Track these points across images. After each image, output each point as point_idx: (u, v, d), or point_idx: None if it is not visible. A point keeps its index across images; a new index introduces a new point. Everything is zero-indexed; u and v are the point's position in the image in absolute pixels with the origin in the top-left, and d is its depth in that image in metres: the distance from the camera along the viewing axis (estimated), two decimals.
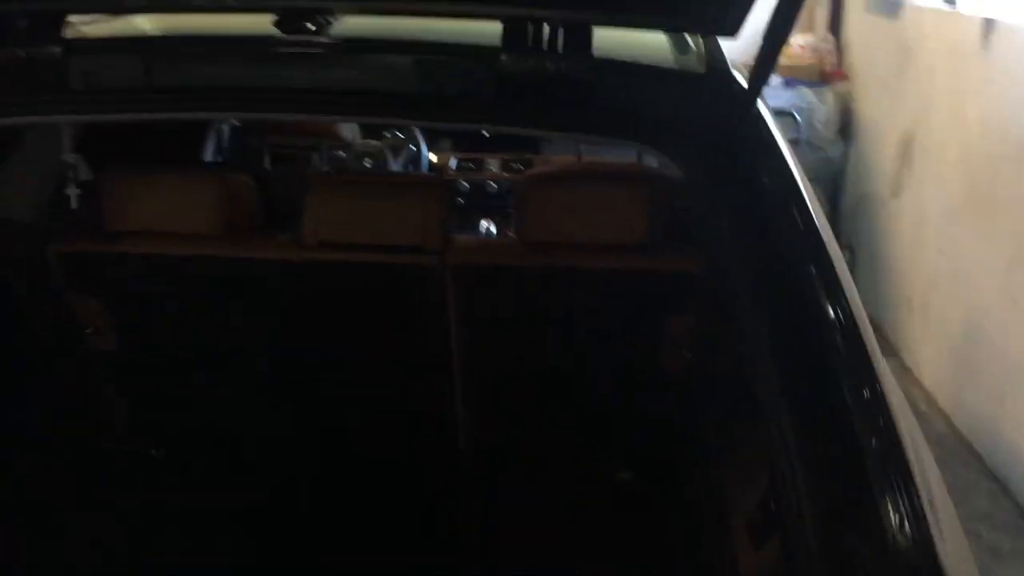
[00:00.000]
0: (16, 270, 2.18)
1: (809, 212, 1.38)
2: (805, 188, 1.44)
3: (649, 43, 1.74)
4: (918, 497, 1.16)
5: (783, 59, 5.63)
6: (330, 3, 1.57)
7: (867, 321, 1.39)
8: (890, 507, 1.15)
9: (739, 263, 1.33)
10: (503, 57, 1.48)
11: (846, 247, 5.49)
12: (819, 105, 5.43)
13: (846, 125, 5.55)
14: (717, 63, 1.61)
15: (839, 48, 5.78)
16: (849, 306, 1.30)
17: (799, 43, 5.69)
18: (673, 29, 1.64)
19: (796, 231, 1.36)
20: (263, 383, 2.41)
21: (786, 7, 1.28)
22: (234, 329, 2.32)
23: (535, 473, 2.46)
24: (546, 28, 1.49)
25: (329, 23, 1.65)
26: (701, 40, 1.69)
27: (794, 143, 3.69)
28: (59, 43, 1.54)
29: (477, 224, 3.58)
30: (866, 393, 1.24)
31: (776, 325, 1.29)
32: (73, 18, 1.68)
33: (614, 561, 2.14)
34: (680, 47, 1.76)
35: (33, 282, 2.20)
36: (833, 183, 5.68)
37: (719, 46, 1.66)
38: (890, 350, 4.73)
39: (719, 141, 1.43)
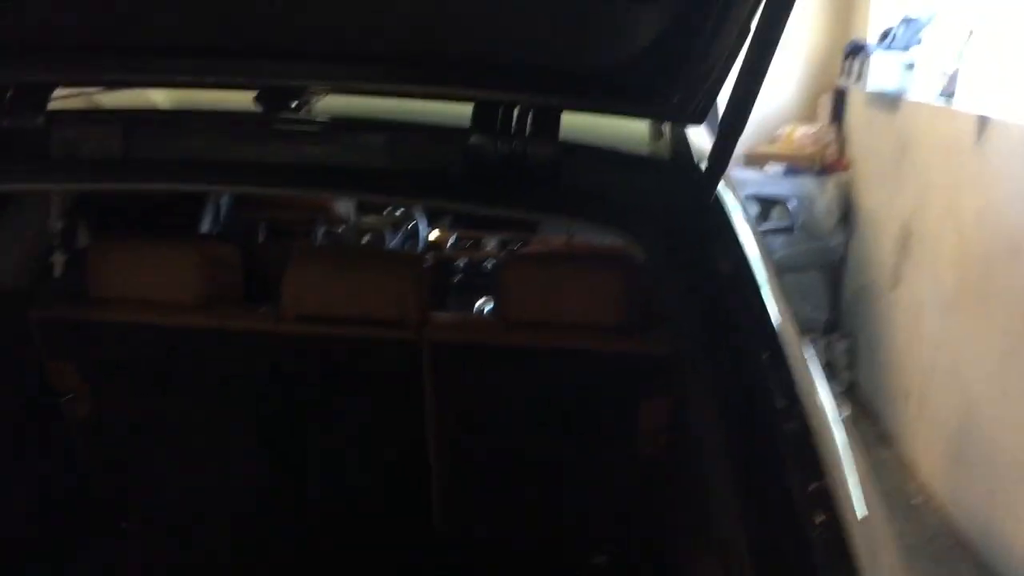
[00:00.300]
0: None
1: (762, 297, 1.39)
2: (762, 273, 1.46)
3: (624, 127, 1.78)
4: None
5: (785, 148, 5.73)
6: (309, 82, 1.62)
7: (821, 406, 1.39)
8: None
9: (693, 346, 1.34)
10: (472, 138, 1.52)
11: (847, 336, 5.48)
12: (819, 194, 5.48)
13: (847, 215, 5.59)
14: (681, 149, 1.64)
15: (841, 139, 5.85)
16: (798, 394, 1.31)
17: (801, 132, 5.77)
18: (639, 116, 1.67)
19: (749, 315, 1.37)
20: (238, 453, 2.40)
21: (741, 99, 1.31)
22: (210, 399, 2.32)
23: (511, 554, 2.43)
24: (515, 111, 1.53)
25: (308, 101, 1.70)
26: (670, 126, 1.73)
27: (787, 230, 3.73)
28: (43, 114, 1.58)
29: (472, 302, 3.60)
30: (812, 484, 1.24)
31: (725, 409, 1.29)
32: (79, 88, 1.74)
33: None
34: (653, 132, 1.80)
35: (12, 347, 2.22)
36: (834, 272, 5.70)
37: (685, 133, 1.69)
38: (888, 441, 4.69)
39: (677, 226, 1.45)
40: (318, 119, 1.67)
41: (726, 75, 1.35)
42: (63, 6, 1.43)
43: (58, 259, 2.15)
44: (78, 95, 1.81)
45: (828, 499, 1.22)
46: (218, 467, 2.41)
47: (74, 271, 2.24)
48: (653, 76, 1.41)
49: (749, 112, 1.33)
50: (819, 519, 1.20)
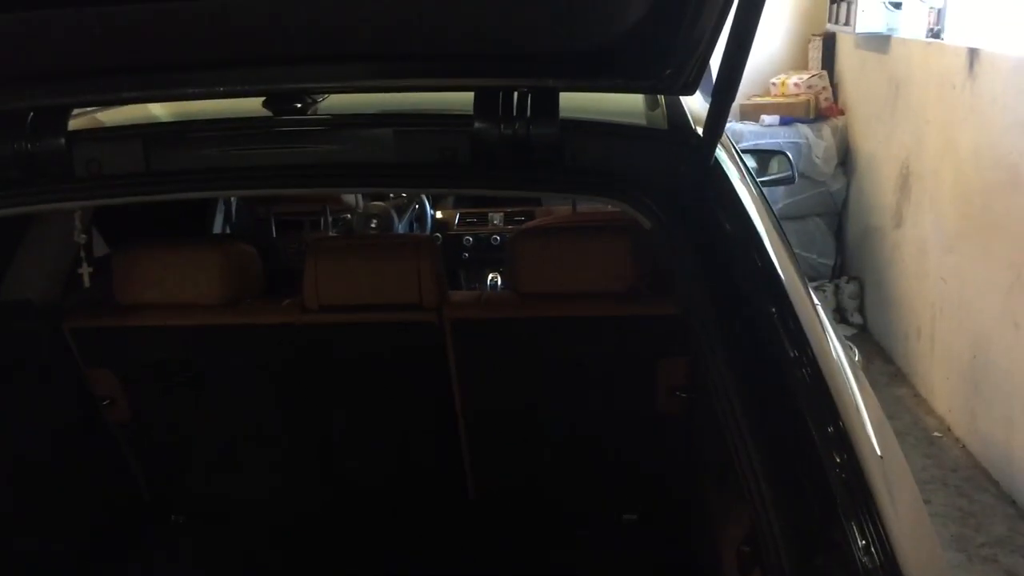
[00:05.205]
0: (34, 347, 2.28)
1: (766, 253, 1.45)
2: (766, 231, 1.52)
3: (621, 99, 1.83)
4: (883, 521, 1.22)
5: (778, 98, 5.75)
6: (312, 84, 1.67)
7: (832, 355, 1.45)
8: (856, 532, 1.21)
9: (701, 306, 1.40)
10: (476, 124, 1.58)
11: (854, 279, 5.54)
12: (817, 141, 5.52)
13: (845, 159, 5.63)
14: (678, 117, 1.70)
15: (833, 84, 5.88)
16: (809, 342, 1.37)
17: (794, 81, 5.80)
18: (632, 91, 1.73)
19: (753, 272, 1.43)
20: (274, 441, 2.48)
21: (730, 66, 1.37)
22: (244, 393, 2.41)
23: (542, 518, 2.51)
24: (515, 95, 1.59)
25: (314, 102, 1.76)
26: (664, 96, 1.78)
27: (788, 180, 3.76)
28: (63, 134, 1.65)
29: (484, 277, 3.67)
30: (829, 427, 1.30)
31: (738, 363, 1.36)
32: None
33: None
34: (649, 102, 1.86)
35: (51, 358, 2.30)
36: (838, 216, 5.75)
37: (679, 101, 1.75)
38: (903, 379, 4.76)
39: (679, 193, 1.51)
40: (326, 118, 1.73)
41: (714, 44, 1.40)
42: (76, 32, 1.49)
43: (85, 271, 2.22)
44: (79, 115, 1.86)
45: (845, 441, 1.27)
46: (256, 456, 2.50)
47: (100, 280, 2.32)
48: (644, 52, 1.45)
49: (739, 78, 1.38)
50: (838, 460, 1.25)
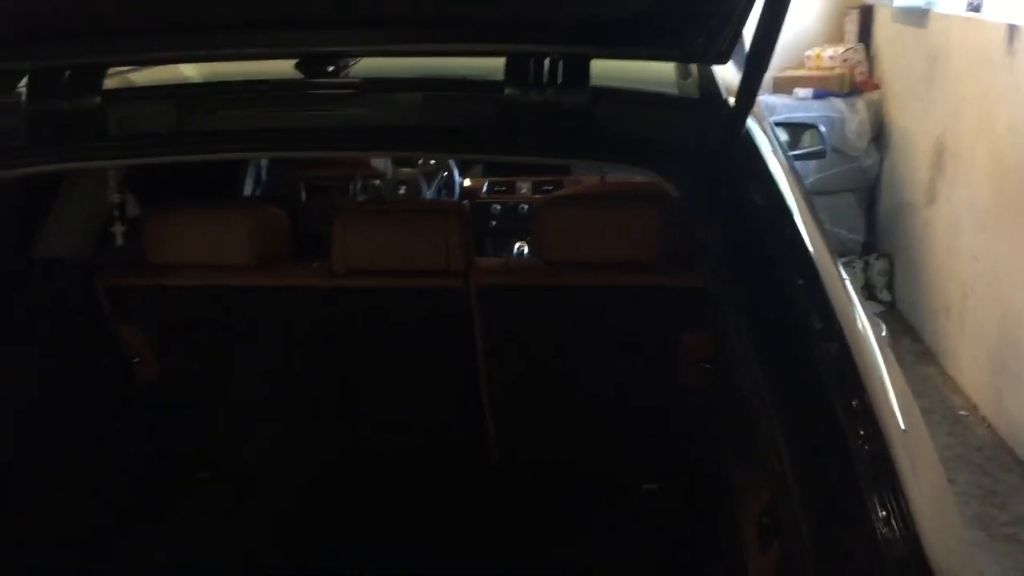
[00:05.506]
0: (66, 305, 2.32)
1: (794, 225, 1.45)
2: (796, 204, 1.51)
3: (652, 68, 1.82)
4: (905, 495, 1.22)
5: (813, 71, 5.68)
6: (343, 47, 1.68)
7: (858, 329, 1.45)
8: (877, 505, 1.21)
9: (727, 277, 1.40)
10: (506, 90, 1.58)
11: (884, 255, 5.49)
12: (851, 115, 5.45)
13: (879, 134, 5.56)
14: (709, 86, 1.69)
15: (869, 57, 5.79)
16: (835, 316, 1.36)
17: (829, 54, 5.72)
18: (665, 60, 1.72)
19: (782, 244, 1.43)
20: (299, 403, 2.51)
21: (764, 36, 1.35)
22: (271, 355, 2.43)
23: (565, 486, 2.53)
24: (546, 62, 1.58)
25: (346, 65, 1.76)
26: (696, 66, 1.77)
27: (819, 155, 3.72)
28: (98, 93, 1.66)
29: (511, 246, 3.67)
30: (853, 400, 1.29)
31: (763, 336, 1.35)
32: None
33: (640, 568, 2.21)
34: (681, 71, 1.85)
35: (82, 316, 2.34)
36: (870, 192, 5.69)
37: (711, 71, 1.73)
38: (931, 357, 4.72)
39: (707, 162, 1.51)
40: (357, 82, 1.74)
41: (748, 14, 1.39)
42: None
43: (118, 229, 2.25)
44: (112, 75, 1.88)
45: (869, 414, 1.27)
46: (282, 416, 2.53)
47: (133, 240, 2.34)
48: (677, 20, 1.45)
49: (773, 48, 1.36)
50: (861, 433, 1.25)
